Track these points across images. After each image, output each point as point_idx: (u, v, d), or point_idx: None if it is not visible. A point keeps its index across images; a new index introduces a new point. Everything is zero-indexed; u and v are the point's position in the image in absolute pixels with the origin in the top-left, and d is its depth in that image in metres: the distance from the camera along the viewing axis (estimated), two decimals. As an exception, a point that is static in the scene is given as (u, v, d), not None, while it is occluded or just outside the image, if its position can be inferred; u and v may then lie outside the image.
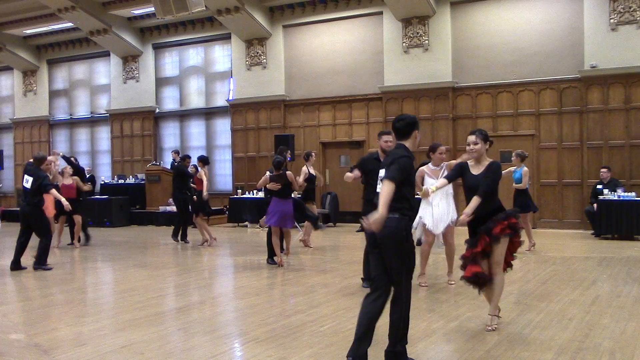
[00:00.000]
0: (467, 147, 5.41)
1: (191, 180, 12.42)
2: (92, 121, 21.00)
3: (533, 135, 14.17)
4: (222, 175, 18.62)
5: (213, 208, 17.71)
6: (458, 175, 5.52)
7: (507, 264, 5.44)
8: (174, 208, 16.33)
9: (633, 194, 12.15)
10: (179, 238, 12.53)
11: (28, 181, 9.14)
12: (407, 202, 4.40)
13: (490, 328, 5.32)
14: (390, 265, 4.34)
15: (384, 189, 4.20)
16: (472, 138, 5.38)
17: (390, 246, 4.32)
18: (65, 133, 21.61)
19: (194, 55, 19.02)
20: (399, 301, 4.36)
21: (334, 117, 16.51)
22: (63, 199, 9.50)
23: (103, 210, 16.64)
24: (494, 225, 5.18)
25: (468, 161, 5.53)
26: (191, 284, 8.37)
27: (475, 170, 5.38)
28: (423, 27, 15.17)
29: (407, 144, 4.54)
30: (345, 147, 16.45)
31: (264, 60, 17.32)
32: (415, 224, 7.49)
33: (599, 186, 12.51)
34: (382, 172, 4.47)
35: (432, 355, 4.78)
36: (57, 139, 21.76)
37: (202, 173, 11.94)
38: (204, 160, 12.17)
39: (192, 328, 5.75)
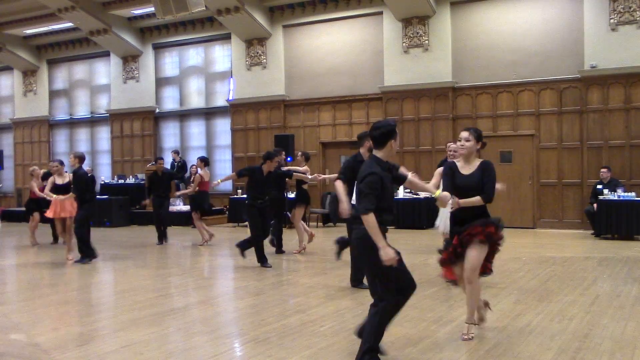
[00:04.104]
0: (458, 143, 5.15)
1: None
2: (92, 121, 21.00)
3: (533, 135, 14.17)
4: (222, 175, 18.56)
5: (213, 208, 17.89)
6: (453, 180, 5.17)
7: (485, 269, 5.20)
8: (175, 208, 16.43)
9: (633, 194, 12.15)
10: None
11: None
12: (383, 211, 4.34)
13: (466, 337, 5.09)
14: (364, 272, 4.60)
15: (368, 222, 4.22)
16: (465, 134, 5.09)
17: (361, 254, 4.50)
18: (65, 133, 21.61)
19: (194, 55, 19.02)
20: (376, 307, 4.36)
21: (334, 117, 16.51)
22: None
23: (103, 210, 16.62)
24: (468, 228, 4.98)
25: (455, 161, 5.31)
26: (191, 284, 8.37)
27: (466, 170, 5.10)
28: (423, 27, 15.17)
29: (381, 154, 4.48)
30: (345, 147, 16.44)
31: (264, 60, 17.32)
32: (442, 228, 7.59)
33: (599, 186, 12.51)
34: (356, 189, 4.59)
35: (432, 355, 4.78)
36: (57, 139, 21.76)
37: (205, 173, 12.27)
38: (205, 161, 12.44)
39: (192, 328, 5.75)
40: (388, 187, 4.41)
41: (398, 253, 4.32)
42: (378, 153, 4.49)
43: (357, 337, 4.61)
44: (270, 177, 9.68)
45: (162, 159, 13.86)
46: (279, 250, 10.73)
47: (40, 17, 19.33)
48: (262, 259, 9.30)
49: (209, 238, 12.25)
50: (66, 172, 10.67)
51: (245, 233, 14.83)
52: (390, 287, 4.32)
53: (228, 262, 10.61)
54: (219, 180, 10.54)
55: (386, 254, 4.17)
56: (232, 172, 17.90)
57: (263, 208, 9.48)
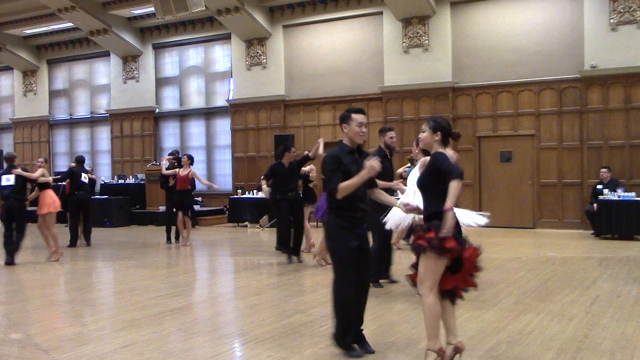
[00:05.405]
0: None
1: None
2: (92, 121, 21.00)
3: (533, 135, 14.17)
4: (222, 175, 18.61)
5: (213, 208, 17.94)
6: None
7: (448, 293, 4.34)
8: None
9: (633, 194, 12.14)
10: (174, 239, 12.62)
11: (9, 179, 9.86)
12: (339, 199, 4.63)
13: None
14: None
15: (343, 190, 4.54)
16: (422, 127, 4.49)
17: (326, 240, 4.92)
18: (65, 133, 21.61)
19: (194, 55, 19.02)
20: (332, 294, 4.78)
21: (334, 117, 16.49)
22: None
23: (103, 210, 16.63)
24: (415, 233, 4.41)
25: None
26: (191, 284, 8.37)
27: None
28: (423, 27, 15.17)
29: (344, 139, 4.83)
30: (345, 147, 16.43)
31: (264, 60, 17.32)
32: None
33: (599, 186, 12.51)
34: None
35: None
36: (57, 139, 21.76)
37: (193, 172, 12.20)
38: (192, 159, 12.46)
39: (192, 328, 5.75)
40: (350, 168, 4.63)
41: (363, 249, 4.71)
42: (343, 139, 4.85)
43: None
44: (293, 167, 9.76)
45: (177, 151, 13.82)
46: (290, 250, 10.66)
47: (40, 17, 19.33)
48: (284, 246, 9.60)
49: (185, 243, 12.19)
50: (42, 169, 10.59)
51: (245, 233, 14.85)
52: (339, 278, 4.66)
53: (228, 262, 10.61)
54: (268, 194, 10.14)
55: (369, 169, 4.47)
56: (232, 172, 17.98)
57: (294, 200, 9.59)
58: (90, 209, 12.65)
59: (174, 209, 12.29)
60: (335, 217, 4.68)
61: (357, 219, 4.70)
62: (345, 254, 4.63)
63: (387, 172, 7.18)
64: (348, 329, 4.67)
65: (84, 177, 12.30)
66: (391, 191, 6.86)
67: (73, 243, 12.06)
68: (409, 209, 4.72)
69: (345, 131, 4.78)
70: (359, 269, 4.70)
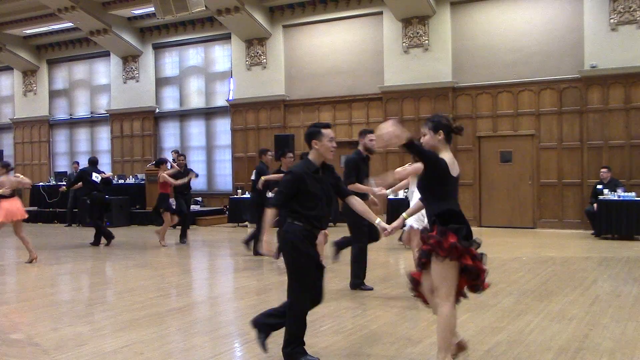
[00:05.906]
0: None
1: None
2: (92, 121, 21.00)
3: (533, 135, 14.17)
4: (222, 175, 18.63)
5: (213, 208, 17.94)
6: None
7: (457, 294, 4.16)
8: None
9: (633, 194, 12.15)
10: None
11: None
12: (309, 210, 4.44)
13: None
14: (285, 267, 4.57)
15: (266, 215, 4.47)
16: (422, 129, 4.31)
17: (282, 249, 4.62)
18: (65, 133, 21.62)
19: (194, 55, 19.02)
20: (288, 304, 4.49)
21: (334, 117, 16.50)
22: None
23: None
24: (426, 237, 4.14)
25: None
26: (191, 284, 8.37)
27: None
28: (423, 27, 15.17)
29: (311, 155, 4.66)
30: (345, 147, 16.37)
31: (264, 60, 17.32)
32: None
33: (599, 186, 12.51)
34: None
35: (431, 356, 4.78)
36: (57, 139, 21.77)
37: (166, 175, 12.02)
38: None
39: (192, 328, 5.75)
40: (314, 188, 4.47)
41: (321, 267, 4.52)
42: (310, 154, 4.68)
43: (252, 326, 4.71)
44: None
45: (183, 155, 13.80)
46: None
47: (40, 17, 19.34)
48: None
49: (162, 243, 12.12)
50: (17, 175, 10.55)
51: (245, 233, 14.83)
52: (301, 289, 4.42)
53: (228, 262, 10.61)
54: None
55: (263, 244, 4.54)
56: (232, 172, 17.99)
57: None
58: (104, 209, 12.83)
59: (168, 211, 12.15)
60: (302, 226, 4.44)
61: (315, 234, 4.54)
62: (311, 264, 4.44)
63: (364, 176, 7.20)
64: (299, 339, 4.50)
65: (95, 177, 12.44)
66: (365, 195, 6.83)
67: (111, 237, 12.21)
68: (387, 234, 4.67)
69: (316, 147, 4.60)
70: (318, 283, 4.55)
